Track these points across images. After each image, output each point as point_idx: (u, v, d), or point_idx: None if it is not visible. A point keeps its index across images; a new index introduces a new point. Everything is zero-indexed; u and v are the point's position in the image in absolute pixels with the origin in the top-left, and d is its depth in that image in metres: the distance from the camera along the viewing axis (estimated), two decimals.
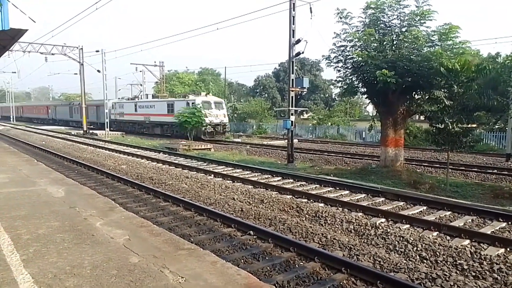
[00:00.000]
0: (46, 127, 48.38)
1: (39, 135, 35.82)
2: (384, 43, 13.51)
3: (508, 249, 6.80)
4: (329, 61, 14.66)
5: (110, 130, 36.69)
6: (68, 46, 36.92)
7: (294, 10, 16.95)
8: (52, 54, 36.38)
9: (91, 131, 38.37)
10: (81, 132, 38.20)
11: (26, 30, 11.68)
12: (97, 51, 35.86)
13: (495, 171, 15.23)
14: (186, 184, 12.72)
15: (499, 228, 8.07)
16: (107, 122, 35.91)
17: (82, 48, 37.46)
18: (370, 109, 48.14)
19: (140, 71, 50.36)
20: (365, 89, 14.47)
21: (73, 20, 74.45)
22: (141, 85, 51.79)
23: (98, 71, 36.19)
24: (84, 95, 39.31)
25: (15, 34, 11.63)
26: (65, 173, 13.71)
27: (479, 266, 6.04)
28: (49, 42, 35.11)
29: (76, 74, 40.54)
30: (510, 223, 8.31)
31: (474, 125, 11.89)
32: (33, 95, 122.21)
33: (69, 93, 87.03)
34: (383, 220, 8.60)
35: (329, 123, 37.83)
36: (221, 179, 13.57)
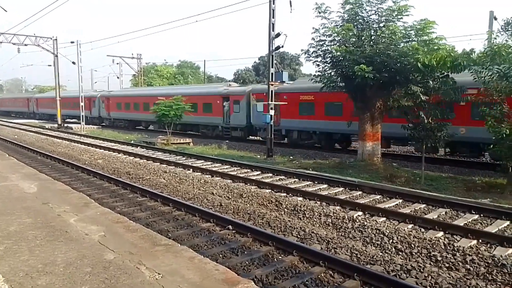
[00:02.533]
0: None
1: (11, 129, 34.74)
2: (362, 38, 13.62)
3: (480, 240, 7.00)
4: (308, 56, 14.71)
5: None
6: (41, 36, 35.90)
7: (274, 4, 16.88)
8: (25, 45, 35.28)
9: (66, 125, 37.45)
10: (56, 125, 37.25)
11: None
12: (72, 42, 34.94)
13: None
14: (164, 178, 12.57)
15: (471, 220, 8.30)
16: (82, 116, 35.10)
17: (56, 39, 36.42)
18: None
19: (117, 64, 49.48)
20: (343, 84, 14.58)
21: (47, 10, 72.27)
22: (118, 77, 50.89)
23: (73, 63, 35.24)
24: (58, 88, 38.25)
25: None
26: (38, 168, 13.35)
27: (452, 257, 6.20)
28: (22, 32, 34.15)
29: (50, 65, 39.43)
30: (482, 215, 8.57)
31: (449, 120, 12.14)
32: (5, 87, 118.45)
33: (42, 85, 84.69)
34: (360, 213, 8.72)
35: None
36: (200, 173, 13.48)
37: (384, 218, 8.36)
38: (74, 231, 4.86)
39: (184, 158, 17.17)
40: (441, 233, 7.40)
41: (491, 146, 11.26)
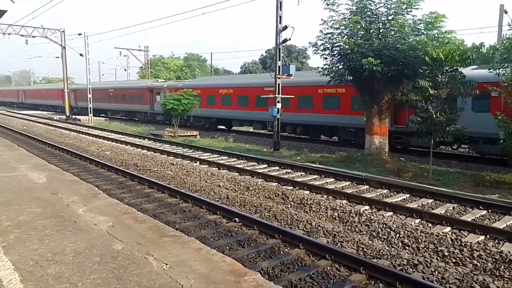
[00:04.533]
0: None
1: (20, 120, 35.03)
2: (371, 31, 13.51)
3: (487, 236, 6.96)
4: (316, 48, 14.62)
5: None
6: (49, 28, 35.96)
7: None
8: (33, 36, 35.40)
9: (74, 116, 37.68)
10: (64, 117, 37.48)
11: (5, 11, 11.31)
12: (79, 34, 35.06)
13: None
14: (171, 171, 12.63)
15: (479, 216, 8.25)
16: (90, 107, 35.28)
17: (64, 31, 36.52)
18: None
19: (124, 56, 49.62)
20: (351, 77, 14.49)
21: (55, 1, 72.18)
22: (125, 69, 50.99)
23: (81, 54, 35.41)
24: (66, 79, 38.46)
25: None
26: (47, 159, 13.45)
27: (459, 252, 6.17)
28: (29, 24, 34.22)
29: (58, 57, 39.61)
30: (490, 211, 8.51)
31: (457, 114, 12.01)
32: (14, 79, 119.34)
33: (50, 77, 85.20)
34: (367, 207, 8.70)
35: None
36: (206, 166, 13.51)
37: (391, 213, 8.33)
38: (83, 221, 4.90)
39: (191, 151, 17.21)
40: (448, 228, 7.36)
41: (501, 141, 11.13)
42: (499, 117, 10.67)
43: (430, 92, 11.69)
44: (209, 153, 16.40)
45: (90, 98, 35.18)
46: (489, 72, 11.31)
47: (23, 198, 5.94)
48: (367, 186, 10.73)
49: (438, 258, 6.06)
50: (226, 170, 12.72)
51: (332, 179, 11.58)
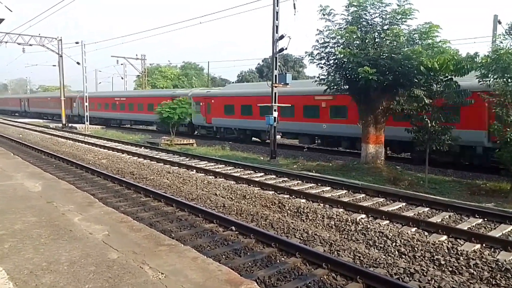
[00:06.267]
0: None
1: (16, 128, 34.90)
2: (366, 40, 13.60)
3: (484, 244, 6.97)
4: (312, 58, 14.71)
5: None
6: (46, 37, 36.06)
7: (277, 6, 16.91)
8: (30, 45, 35.45)
9: (70, 125, 37.58)
10: (60, 125, 37.37)
11: (3, 19, 11.35)
12: (76, 42, 35.11)
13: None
14: (167, 179, 12.60)
15: (475, 224, 8.27)
16: (87, 116, 35.21)
17: (61, 39, 36.58)
18: None
19: (121, 64, 49.65)
20: (347, 86, 14.56)
21: (52, 10, 72.32)
22: (122, 78, 51.06)
23: (78, 63, 35.44)
24: (63, 88, 38.43)
25: None
26: (43, 167, 13.41)
27: (455, 261, 6.18)
28: (26, 32, 34.29)
29: (55, 65, 39.61)
30: (486, 219, 8.53)
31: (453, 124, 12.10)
32: (10, 87, 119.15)
33: (47, 85, 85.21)
34: (363, 216, 8.70)
35: None
36: (203, 174, 13.49)
37: (388, 221, 8.34)
38: (78, 230, 4.88)
39: (187, 159, 17.20)
40: (444, 237, 7.37)
41: (497, 151, 11.19)
42: (495, 126, 10.75)
43: (426, 101, 11.77)
44: (206, 162, 16.39)
45: (86, 106, 35.11)
46: (479, 83, 11.44)
47: (18, 207, 5.91)
48: (363, 195, 10.74)
49: (435, 266, 6.06)
50: (223, 179, 12.70)
51: (328, 188, 11.59)
